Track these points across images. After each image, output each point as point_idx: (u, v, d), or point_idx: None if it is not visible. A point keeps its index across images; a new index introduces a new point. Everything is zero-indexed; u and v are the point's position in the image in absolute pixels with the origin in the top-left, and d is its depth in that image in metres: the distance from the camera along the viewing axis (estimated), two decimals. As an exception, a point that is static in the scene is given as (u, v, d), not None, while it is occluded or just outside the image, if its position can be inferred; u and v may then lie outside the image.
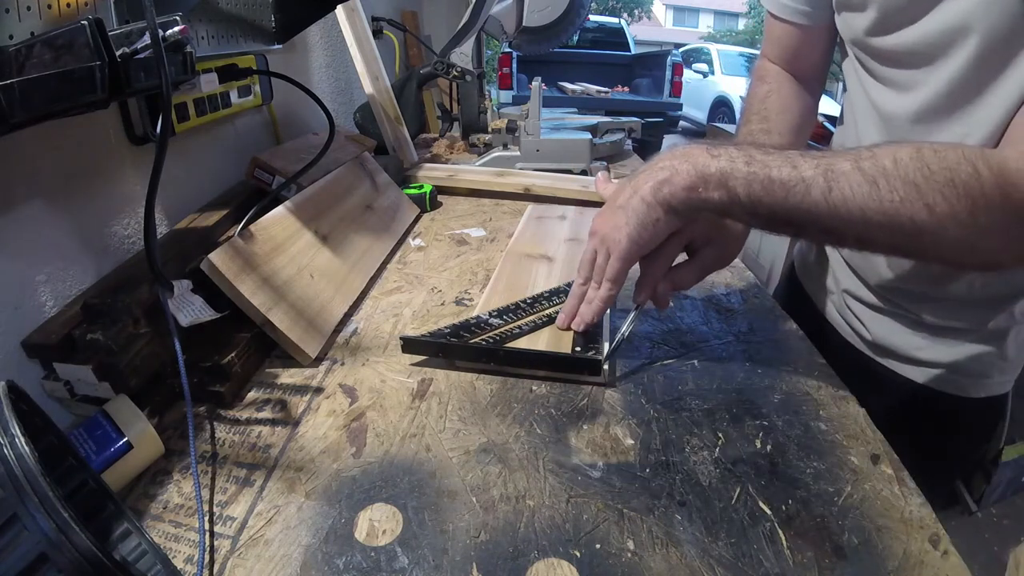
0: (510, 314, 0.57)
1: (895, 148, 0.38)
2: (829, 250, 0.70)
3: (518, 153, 1.13)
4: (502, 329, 0.55)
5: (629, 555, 0.36)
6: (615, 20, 6.45)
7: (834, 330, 0.69)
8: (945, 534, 0.38)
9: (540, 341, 0.54)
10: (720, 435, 0.46)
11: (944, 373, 0.59)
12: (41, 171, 0.50)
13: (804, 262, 0.78)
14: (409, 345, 0.54)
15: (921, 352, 0.60)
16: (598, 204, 0.98)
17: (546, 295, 0.60)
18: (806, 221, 0.41)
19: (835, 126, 0.71)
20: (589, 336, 0.54)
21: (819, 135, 1.96)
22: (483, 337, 0.54)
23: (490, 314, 0.57)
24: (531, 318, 0.57)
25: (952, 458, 0.69)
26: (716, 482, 0.41)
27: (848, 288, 0.66)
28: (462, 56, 1.06)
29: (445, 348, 0.53)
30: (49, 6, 0.42)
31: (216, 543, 0.37)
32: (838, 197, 0.38)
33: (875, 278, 0.61)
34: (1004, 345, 0.57)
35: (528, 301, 0.59)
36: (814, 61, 0.64)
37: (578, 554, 0.36)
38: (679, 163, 0.44)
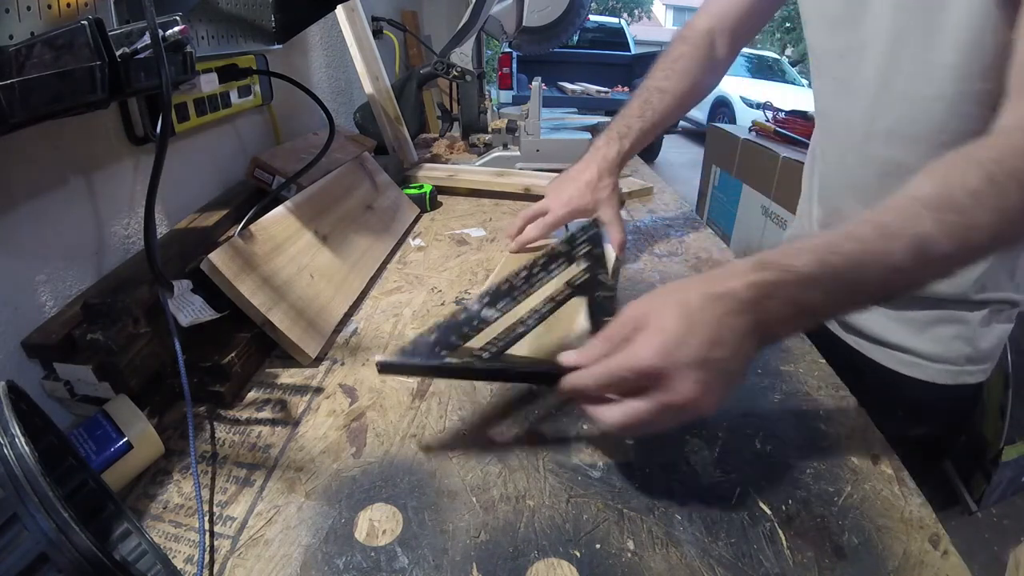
0: (505, 299, 0.44)
1: (963, 178, 0.36)
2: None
3: (518, 153, 1.13)
4: (498, 324, 0.44)
5: (629, 555, 0.36)
6: (615, 20, 6.44)
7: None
8: (945, 534, 0.38)
9: (549, 336, 0.48)
10: (720, 435, 0.46)
11: (910, 358, 0.61)
12: (41, 171, 0.50)
13: None
14: (388, 369, 0.43)
15: (889, 334, 0.62)
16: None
17: (542, 262, 0.45)
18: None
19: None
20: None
21: (808, 132, 1.95)
22: (477, 342, 0.43)
23: (482, 302, 0.44)
24: (531, 303, 0.45)
25: (923, 444, 0.70)
26: (716, 482, 0.41)
27: None
28: (462, 56, 1.06)
29: (431, 370, 0.45)
30: (49, 6, 0.42)
31: (216, 543, 0.37)
32: (934, 264, 0.36)
33: None
34: (974, 335, 0.58)
35: (523, 275, 0.45)
36: (748, 24, 0.71)
37: (578, 554, 0.36)
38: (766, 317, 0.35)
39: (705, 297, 0.35)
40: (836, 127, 0.63)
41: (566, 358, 0.38)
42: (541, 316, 0.45)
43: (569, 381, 0.38)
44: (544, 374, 0.42)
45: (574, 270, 0.45)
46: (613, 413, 0.36)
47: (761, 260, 0.36)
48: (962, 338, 0.59)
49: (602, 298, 0.45)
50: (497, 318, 0.44)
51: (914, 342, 0.61)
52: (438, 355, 0.42)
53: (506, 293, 0.45)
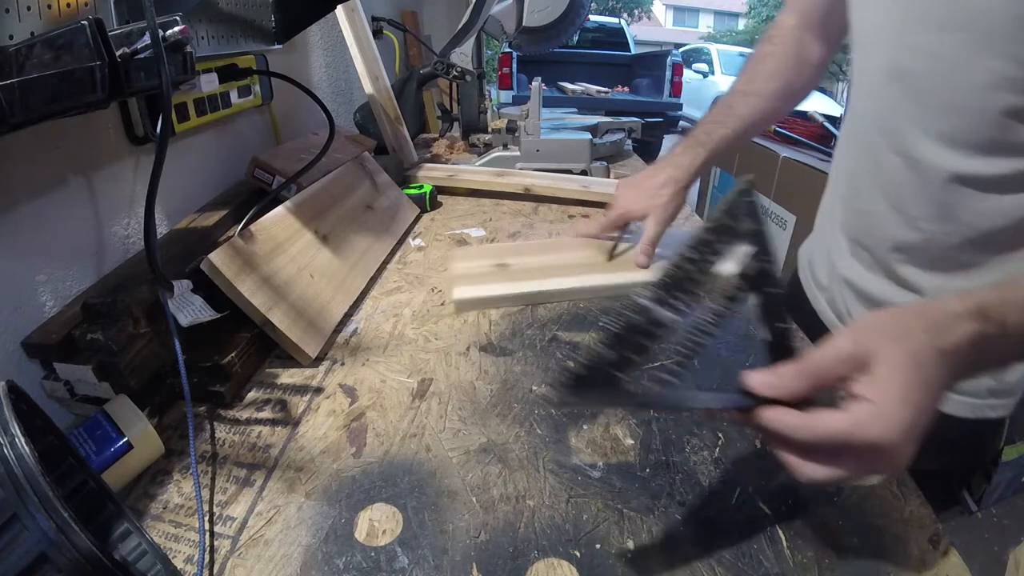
0: (677, 292, 0.35)
1: None
2: (841, 240, 0.63)
3: (518, 153, 1.13)
4: (685, 335, 0.34)
5: (629, 555, 0.36)
6: (615, 20, 6.44)
7: (826, 329, 0.66)
8: (945, 534, 0.38)
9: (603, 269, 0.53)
10: (720, 435, 0.46)
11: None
12: (41, 171, 0.50)
13: (809, 261, 0.76)
14: (565, 404, 0.35)
15: None
16: (597, 204, 0.98)
17: (708, 239, 0.36)
18: None
19: (836, 127, 0.72)
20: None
21: (818, 135, 1.95)
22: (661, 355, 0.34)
23: (656, 297, 0.34)
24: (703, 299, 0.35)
25: (941, 475, 0.64)
26: (716, 482, 0.41)
27: (849, 278, 0.61)
28: (462, 56, 1.06)
29: (610, 402, 0.36)
30: (49, 6, 0.42)
31: (216, 543, 0.37)
32: None
33: (893, 274, 0.55)
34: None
35: (693, 257, 0.35)
36: (839, 14, 0.60)
37: (578, 554, 0.36)
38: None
39: (936, 354, 0.30)
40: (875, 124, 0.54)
41: (759, 384, 0.31)
42: (720, 317, 0.35)
43: (771, 423, 0.31)
44: (734, 407, 0.34)
45: (741, 253, 0.36)
46: (816, 473, 0.30)
47: (982, 308, 0.32)
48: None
49: (772, 295, 0.36)
50: (675, 322, 0.35)
51: None
52: (616, 380, 0.33)
53: (678, 284, 0.35)
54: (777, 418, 0.30)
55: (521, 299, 0.65)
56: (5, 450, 0.26)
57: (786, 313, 0.37)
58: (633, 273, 0.68)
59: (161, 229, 0.66)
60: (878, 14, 0.51)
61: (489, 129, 1.27)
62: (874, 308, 0.59)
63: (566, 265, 0.70)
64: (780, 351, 0.36)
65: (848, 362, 0.30)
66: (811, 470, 0.30)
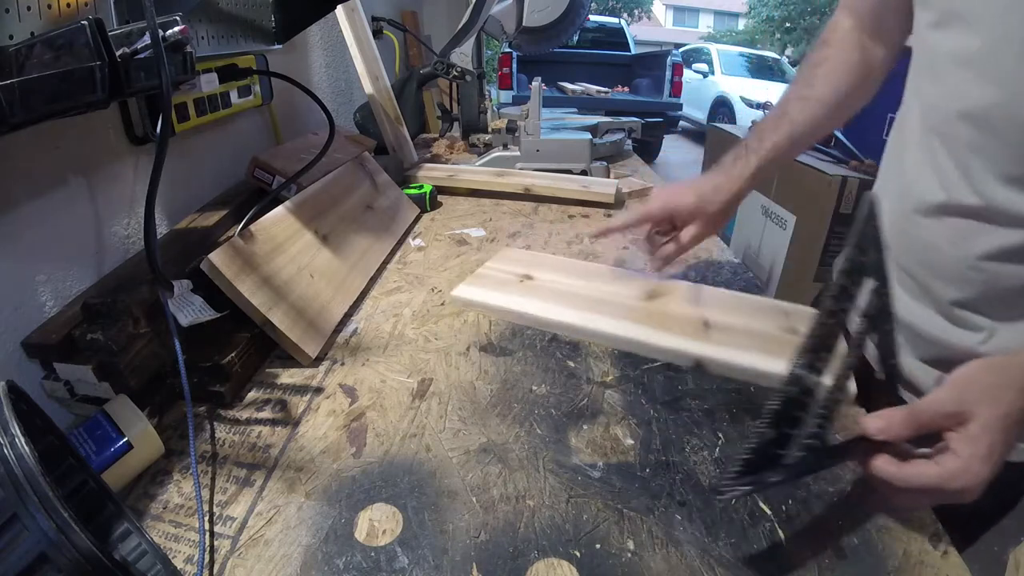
0: (822, 353, 0.35)
1: None
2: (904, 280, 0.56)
3: (518, 153, 1.13)
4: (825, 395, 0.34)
5: (629, 555, 0.36)
6: (615, 20, 6.44)
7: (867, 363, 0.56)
8: (945, 534, 0.38)
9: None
10: (720, 435, 0.46)
11: None
12: (41, 171, 0.50)
13: None
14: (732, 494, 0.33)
15: None
16: (597, 204, 0.98)
17: (841, 288, 0.35)
18: None
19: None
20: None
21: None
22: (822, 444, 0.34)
23: (806, 365, 0.34)
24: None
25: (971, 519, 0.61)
26: (716, 482, 0.41)
27: (909, 321, 0.54)
28: (462, 56, 1.06)
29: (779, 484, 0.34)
30: (49, 6, 0.42)
31: (216, 543, 0.37)
32: None
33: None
34: None
35: (830, 314, 0.35)
36: (897, 12, 0.57)
37: (578, 554, 0.36)
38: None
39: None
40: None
41: (874, 429, 0.34)
42: (851, 367, 0.36)
43: (877, 471, 0.34)
44: (854, 459, 0.35)
45: (863, 291, 0.36)
46: (902, 504, 0.38)
47: None
48: None
49: (888, 333, 0.36)
50: (819, 385, 0.34)
51: None
52: (780, 458, 0.33)
53: (824, 344, 0.35)
54: (882, 468, 0.34)
55: (520, 319, 0.61)
56: (5, 450, 0.26)
57: (895, 354, 0.37)
58: (675, 337, 0.56)
59: (161, 229, 0.66)
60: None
61: (489, 129, 1.27)
62: (923, 344, 0.53)
63: (595, 298, 0.62)
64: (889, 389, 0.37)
65: (950, 418, 0.34)
66: (899, 502, 0.36)
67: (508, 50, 4.22)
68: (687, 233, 0.60)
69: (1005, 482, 0.53)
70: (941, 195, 0.48)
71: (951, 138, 0.48)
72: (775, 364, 0.51)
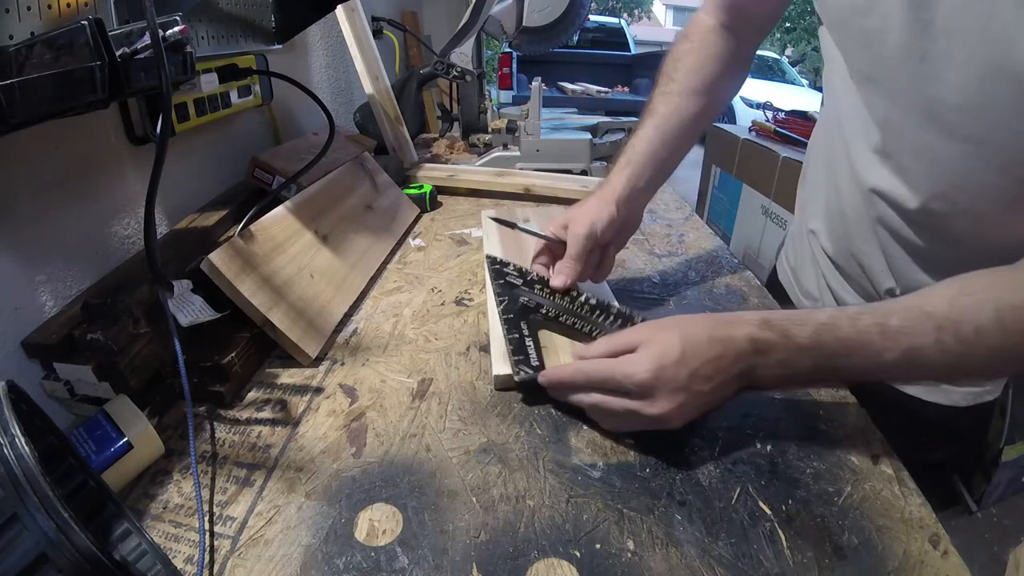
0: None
1: (976, 312, 0.37)
2: (821, 259, 0.67)
3: (518, 153, 1.13)
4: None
5: (629, 555, 0.36)
6: (615, 20, 6.44)
7: None
8: (945, 534, 0.38)
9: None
10: (720, 435, 0.46)
11: (933, 386, 0.58)
12: (41, 171, 0.50)
13: (790, 267, 0.75)
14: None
15: None
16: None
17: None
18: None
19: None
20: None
21: (808, 132, 1.95)
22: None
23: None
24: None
25: (946, 465, 0.68)
26: (716, 482, 0.41)
27: (844, 299, 0.63)
28: (462, 56, 1.06)
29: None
30: (49, 6, 0.42)
31: (216, 543, 0.37)
32: (919, 373, 0.41)
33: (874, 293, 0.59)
34: None
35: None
36: (758, 13, 0.61)
37: (578, 554, 0.36)
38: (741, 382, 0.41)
39: (707, 337, 0.40)
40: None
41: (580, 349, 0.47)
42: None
43: (571, 367, 0.45)
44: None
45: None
46: (592, 398, 0.44)
47: (766, 319, 0.41)
48: None
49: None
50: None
51: None
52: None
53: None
54: (577, 364, 0.45)
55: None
56: (5, 450, 0.26)
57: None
58: None
59: (161, 229, 0.66)
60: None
61: (489, 129, 1.27)
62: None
63: None
64: None
65: (637, 339, 0.42)
66: (588, 398, 0.44)
67: (508, 50, 4.22)
68: (612, 250, 0.59)
69: (936, 422, 0.60)
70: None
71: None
72: None
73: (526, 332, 0.52)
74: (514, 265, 0.59)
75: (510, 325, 0.53)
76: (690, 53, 0.62)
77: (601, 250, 0.58)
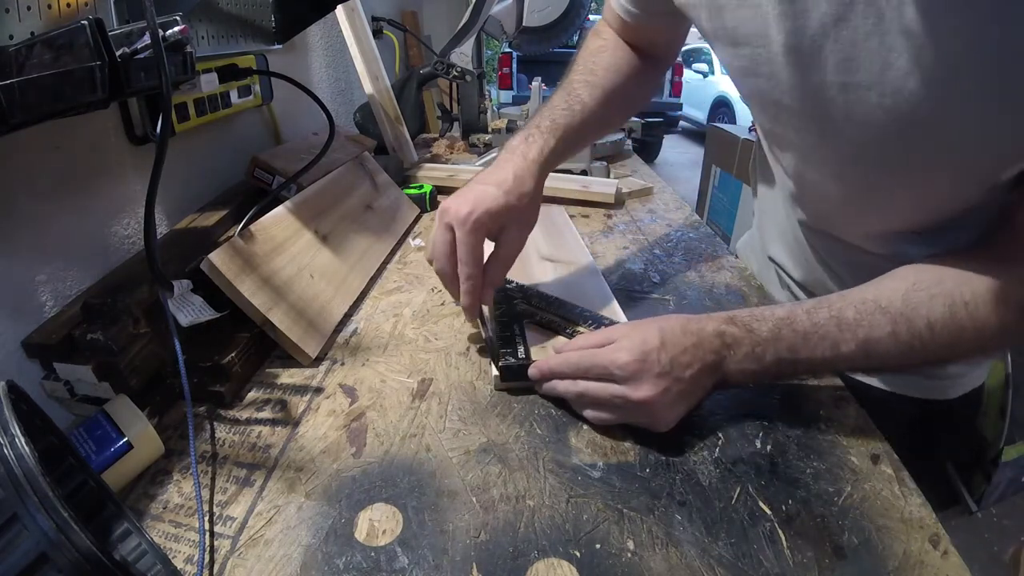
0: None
1: (929, 307, 0.40)
2: (779, 249, 0.68)
3: (518, 153, 1.13)
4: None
5: (629, 555, 0.36)
6: (615, 20, 6.43)
7: None
8: (945, 534, 0.38)
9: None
10: (720, 435, 0.46)
11: (913, 379, 0.59)
12: (41, 171, 0.50)
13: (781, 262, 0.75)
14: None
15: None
16: (597, 204, 0.98)
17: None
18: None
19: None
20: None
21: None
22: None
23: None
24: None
25: (940, 457, 0.70)
26: (716, 482, 0.41)
27: (804, 282, 0.65)
28: (462, 56, 1.06)
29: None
30: (49, 6, 0.42)
31: (216, 543, 0.37)
32: (875, 363, 0.42)
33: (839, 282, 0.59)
34: None
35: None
36: (657, 42, 0.63)
37: (578, 554, 0.36)
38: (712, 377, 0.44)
39: (681, 327, 0.44)
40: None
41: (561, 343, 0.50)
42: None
43: (558, 356, 0.47)
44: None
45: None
46: (579, 386, 0.45)
47: (731, 316, 0.44)
48: None
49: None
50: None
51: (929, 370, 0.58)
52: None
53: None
54: (562, 355, 0.47)
55: None
56: (5, 450, 0.26)
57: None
58: None
59: (161, 229, 0.66)
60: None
61: (489, 129, 1.27)
62: None
63: None
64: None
65: (614, 335, 0.45)
66: (573, 386, 0.45)
67: (508, 50, 4.22)
68: (507, 238, 0.52)
69: (915, 417, 0.61)
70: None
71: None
72: None
73: (517, 332, 0.55)
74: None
75: (503, 326, 0.56)
76: (606, 52, 0.62)
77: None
